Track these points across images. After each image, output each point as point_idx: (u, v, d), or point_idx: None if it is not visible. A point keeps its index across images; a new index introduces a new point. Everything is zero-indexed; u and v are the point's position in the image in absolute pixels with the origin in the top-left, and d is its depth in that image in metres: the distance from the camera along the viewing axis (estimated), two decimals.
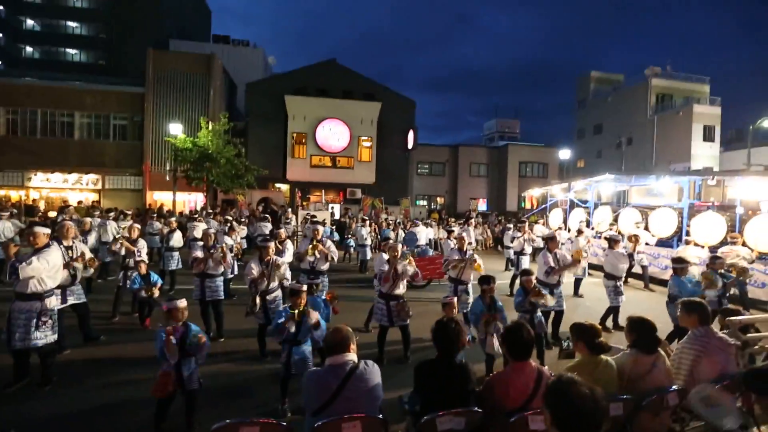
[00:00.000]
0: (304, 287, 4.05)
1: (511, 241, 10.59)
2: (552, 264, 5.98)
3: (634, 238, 8.51)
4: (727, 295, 5.93)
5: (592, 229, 12.88)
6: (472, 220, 16.89)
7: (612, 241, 7.15)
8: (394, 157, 26.27)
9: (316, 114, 24.47)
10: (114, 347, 5.33)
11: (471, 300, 5.72)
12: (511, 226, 13.39)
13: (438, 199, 30.57)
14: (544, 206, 17.66)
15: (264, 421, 2.20)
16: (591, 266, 10.99)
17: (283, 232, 7.55)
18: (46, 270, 4.13)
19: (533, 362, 2.59)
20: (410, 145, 26.27)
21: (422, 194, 30.17)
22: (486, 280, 4.76)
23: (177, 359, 3.28)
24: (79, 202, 19.64)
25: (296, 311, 3.80)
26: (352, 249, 13.44)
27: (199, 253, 5.79)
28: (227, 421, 2.15)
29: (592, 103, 38.09)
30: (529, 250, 9.88)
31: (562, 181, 18.16)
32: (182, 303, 3.49)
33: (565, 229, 13.28)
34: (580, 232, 10.42)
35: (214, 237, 6.26)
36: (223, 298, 5.97)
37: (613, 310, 6.68)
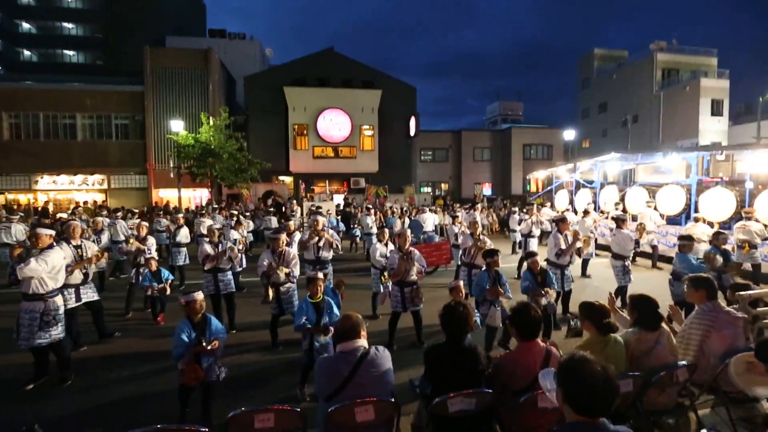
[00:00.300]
0: (320, 275, 4.12)
1: (519, 224, 10.57)
2: (563, 245, 6.04)
3: (641, 227, 8.49)
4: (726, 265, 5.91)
5: (599, 209, 12.79)
6: (479, 205, 16.85)
7: (619, 221, 7.12)
8: (397, 145, 26.12)
9: (316, 104, 24.33)
10: (128, 343, 5.44)
11: None
12: (517, 209, 13.36)
13: (442, 185, 30.44)
14: (549, 188, 17.52)
15: (278, 407, 2.25)
16: (598, 246, 10.96)
17: (292, 224, 7.69)
18: (45, 271, 4.14)
19: (541, 342, 2.61)
20: (412, 132, 26.09)
21: (426, 181, 30.04)
22: (490, 254, 4.81)
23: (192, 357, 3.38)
24: (84, 203, 19.85)
25: (317, 301, 3.98)
26: (357, 238, 13.53)
27: (208, 249, 5.88)
28: (242, 408, 2.20)
29: (596, 81, 37.40)
30: (537, 232, 9.87)
31: (567, 162, 17.97)
32: (199, 295, 3.55)
33: (572, 211, 13.21)
34: (586, 212, 10.37)
35: (218, 232, 6.35)
36: (235, 290, 6.12)
37: (622, 290, 6.67)
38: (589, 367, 1.56)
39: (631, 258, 7.05)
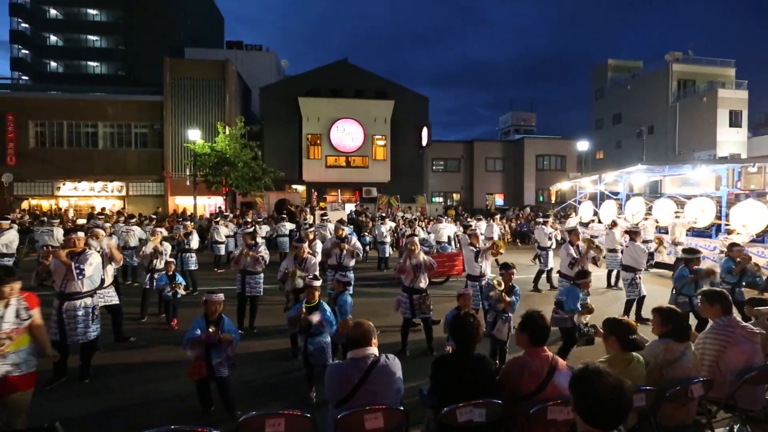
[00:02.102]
0: (316, 283, 4.21)
1: (549, 239, 10.06)
2: (575, 255, 6.09)
3: (658, 240, 8.40)
4: (744, 284, 5.78)
5: (625, 220, 12.59)
6: (497, 216, 16.76)
7: (632, 234, 7.08)
8: (409, 155, 26.25)
9: (329, 115, 24.66)
10: (143, 347, 5.54)
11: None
12: (542, 220, 13.23)
13: (454, 195, 30.40)
14: (575, 199, 17.18)
15: (288, 412, 2.27)
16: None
17: (311, 232, 7.67)
18: (97, 269, 4.59)
19: (549, 351, 2.62)
20: (424, 142, 26.20)
21: (438, 191, 30.04)
22: (505, 266, 4.85)
23: (201, 351, 3.51)
24: (102, 209, 20.34)
25: (312, 305, 4.05)
26: (368, 247, 13.60)
27: (237, 252, 6.26)
28: (253, 413, 2.24)
29: (611, 92, 37.12)
30: (552, 244, 9.80)
31: (581, 173, 17.76)
32: (219, 297, 3.71)
33: (598, 222, 13.09)
34: (614, 224, 10.19)
35: (252, 237, 6.52)
36: (261, 294, 6.35)
37: (630, 304, 6.60)
38: (603, 378, 1.55)
39: (643, 270, 6.93)
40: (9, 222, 8.99)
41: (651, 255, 7.06)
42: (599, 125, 38.67)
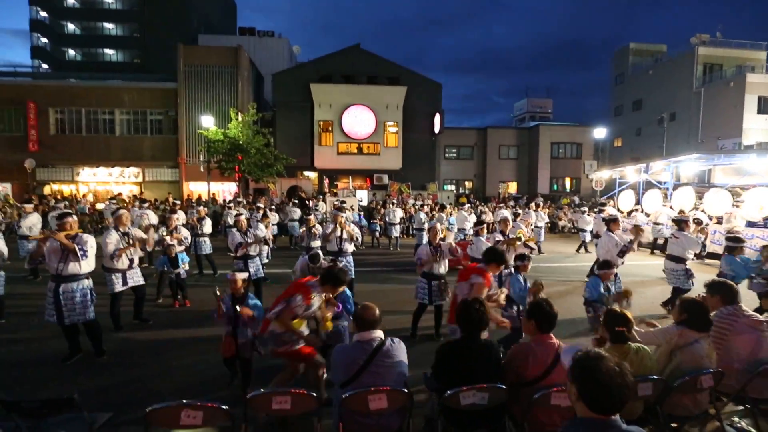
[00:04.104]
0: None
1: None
2: (625, 243, 5.95)
3: (704, 229, 8.10)
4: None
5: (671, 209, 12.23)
6: (533, 204, 16.40)
7: (682, 223, 6.66)
8: (421, 142, 26.00)
9: (341, 101, 24.52)
10: (160, 326, 5.70)
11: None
12: (586, 209, 13.04)
13: (466, 183, 30.10)
14: (621, 189, 16.67)
15: (295, 391, 2.33)
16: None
17: (312, 218, 7.96)
18: (93, 251, 4.57)
19: (554, 338, 2.62)
20: (437, 129, 25.89)
21: (450, 179, 29.77)
22: (521, 258, 4.81)
23: (226, 324, 3.73)
24: (119, 194, 20.83)
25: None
26: (377, 234, 13.73)
27: (239, 237, 6.41)
28: (261, 390, 2.31)
29: (631, 77, 35.87)
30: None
31: (600, 162, 17.27)
32: (243, 275, 3.89)
33: (641, 212, 12.77)
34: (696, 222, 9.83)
35: (247, 222, 6.84)
36: (262, 276, 6.68)
37: (680, 292, 6.19)
38: (603, 363, 1.54)
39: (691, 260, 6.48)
40: (32, 206, 9.29)
41: (703, 245, 6.51)
42: (618, 112, 37.56)
